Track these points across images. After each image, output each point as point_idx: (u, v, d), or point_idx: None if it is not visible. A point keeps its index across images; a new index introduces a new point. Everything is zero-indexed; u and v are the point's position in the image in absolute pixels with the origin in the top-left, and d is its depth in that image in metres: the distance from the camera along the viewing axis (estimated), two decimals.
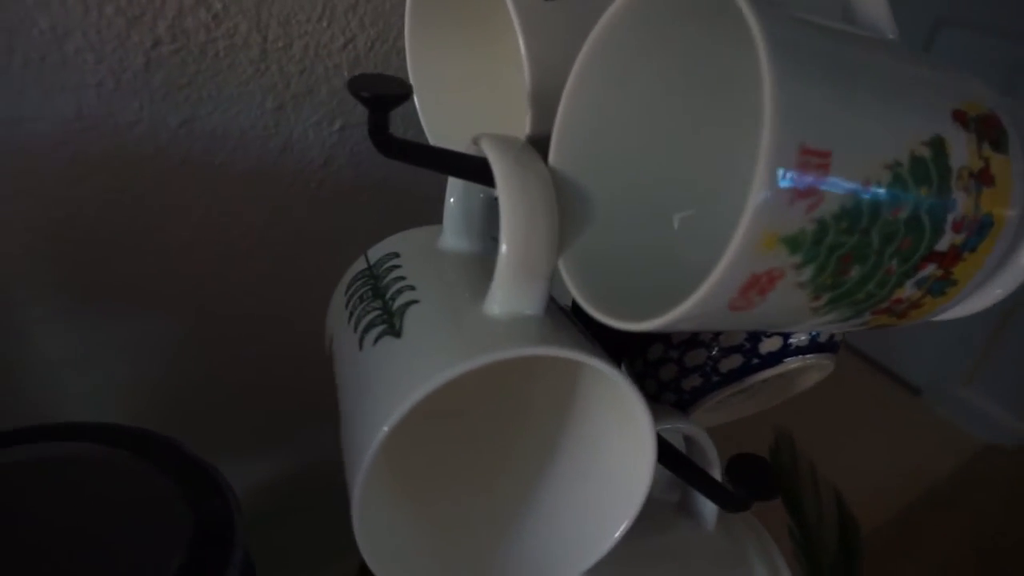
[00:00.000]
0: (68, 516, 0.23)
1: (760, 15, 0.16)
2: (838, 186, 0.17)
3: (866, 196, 0.17)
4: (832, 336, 0.32)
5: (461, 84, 0.34)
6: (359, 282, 0.29)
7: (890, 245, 0.18)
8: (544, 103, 0.26)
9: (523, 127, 0.28)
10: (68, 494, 0.24)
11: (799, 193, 0.16)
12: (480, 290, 0.25)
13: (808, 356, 0.31)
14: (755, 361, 0.31)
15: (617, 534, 0.24)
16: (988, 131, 0.20)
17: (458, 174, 0.27)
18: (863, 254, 0.18)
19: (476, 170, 0.25)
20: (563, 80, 0.26)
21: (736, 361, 0.31)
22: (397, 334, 0.24)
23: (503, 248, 0.22)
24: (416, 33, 0.32)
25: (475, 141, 0.25)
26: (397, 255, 0.29)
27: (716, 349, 0.32)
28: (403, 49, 0.40)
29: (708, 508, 0.33)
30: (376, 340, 0.25)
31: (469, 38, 0.33)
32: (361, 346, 0.25)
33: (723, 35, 0.21)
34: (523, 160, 0.24)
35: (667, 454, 0.29)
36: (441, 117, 0.33)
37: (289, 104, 0.39)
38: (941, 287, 0.21)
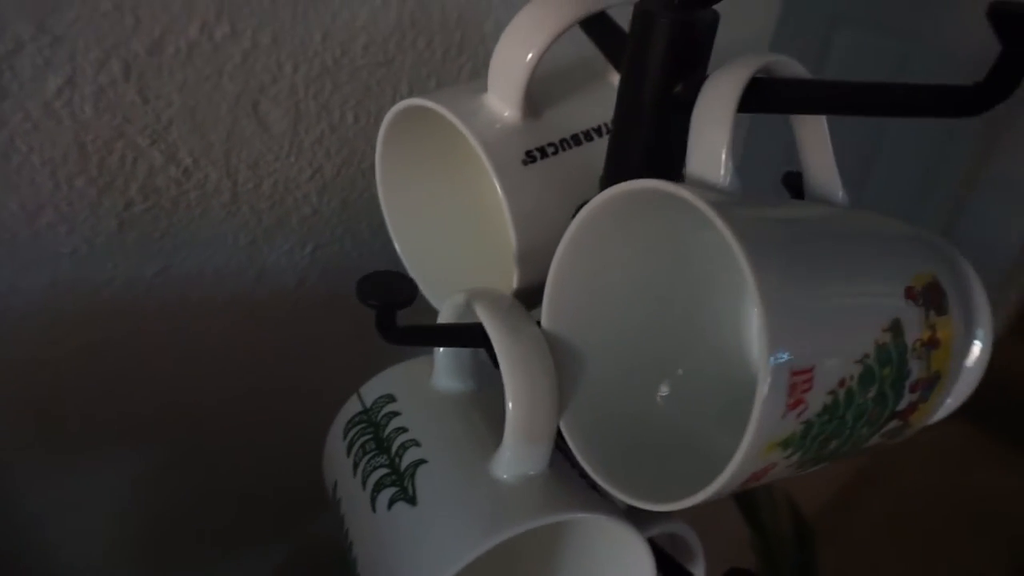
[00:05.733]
0: None
1: (741, 239, 0.18)
2: (820, 392, 0.19)
3: (842, 391, 0.20)
4: None
5: (435, 214, 0.35)
6: (357, 428, 0.30)
7: (861, 419, 0.21)
8: (530, 261, 0.27)
9: (498, 258, 0.29)
10: None
11: (789, 406, 0.19)
12: (482, 444, 0.27)
13: None
14: None
15: None
16: (933, 299, 0.23)
17: (458, 344, 0.28)
18: (839, 432, 0.21)
19: (474, 338, 0.26)
20: (547, 237, 0.27)
21: None
22: (412, 501, 0.25)
23: (509, 417, 0.24)
24: (387, 168, 0.31)
25: (467, 302, 0.26)
26: (393, 398, 0.30)
27: None
28: (367, 170, 0.41)
29: None
30: (390, 504, 0.26)
31: (438, 172, 0.34)
32: (374, 507, 0.26)
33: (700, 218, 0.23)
34: (519, 326, 0.25)
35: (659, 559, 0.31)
36: (415, 244, 0.34)
37: (261, 238, 0.39)
38: (899, 432, 0.24)
